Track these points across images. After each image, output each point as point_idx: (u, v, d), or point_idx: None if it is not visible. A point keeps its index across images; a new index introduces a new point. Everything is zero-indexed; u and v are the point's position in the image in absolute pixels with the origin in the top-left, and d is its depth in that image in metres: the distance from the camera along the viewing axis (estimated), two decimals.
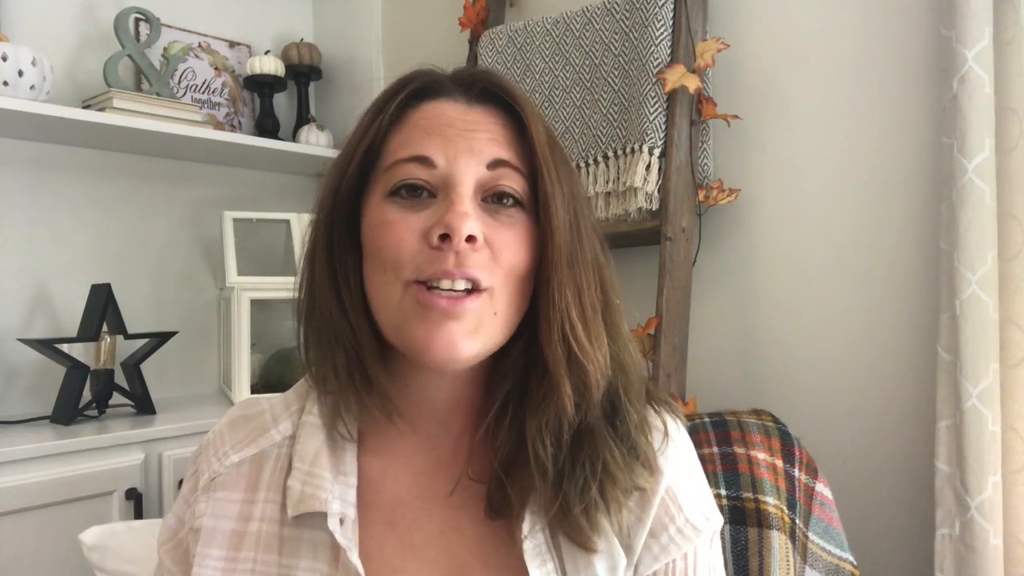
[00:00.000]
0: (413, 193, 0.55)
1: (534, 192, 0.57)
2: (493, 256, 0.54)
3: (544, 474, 0.55)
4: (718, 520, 0.61)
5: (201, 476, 0.61)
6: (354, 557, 0.53)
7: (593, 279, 0.57)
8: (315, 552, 0.56)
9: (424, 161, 0.55)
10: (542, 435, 0.55)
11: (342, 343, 0.57)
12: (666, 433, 0.60)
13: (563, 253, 0.55)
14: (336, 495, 0.56)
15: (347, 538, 0.54)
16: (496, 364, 0.58)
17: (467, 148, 0.55)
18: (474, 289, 0.53)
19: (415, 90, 0.58)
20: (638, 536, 0.57)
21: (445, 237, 0.52)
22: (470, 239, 0.52)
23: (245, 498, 0.59)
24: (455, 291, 0.53)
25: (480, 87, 0.59)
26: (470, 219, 0.52)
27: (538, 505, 0.55)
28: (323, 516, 0.55)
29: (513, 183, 0.56)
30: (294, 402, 0.63)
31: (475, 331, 0.53)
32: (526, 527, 0.55)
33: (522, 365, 0.57)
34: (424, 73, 0.60)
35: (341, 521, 0.55)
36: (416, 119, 0.57)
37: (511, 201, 0.56)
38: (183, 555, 0.61)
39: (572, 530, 0.54)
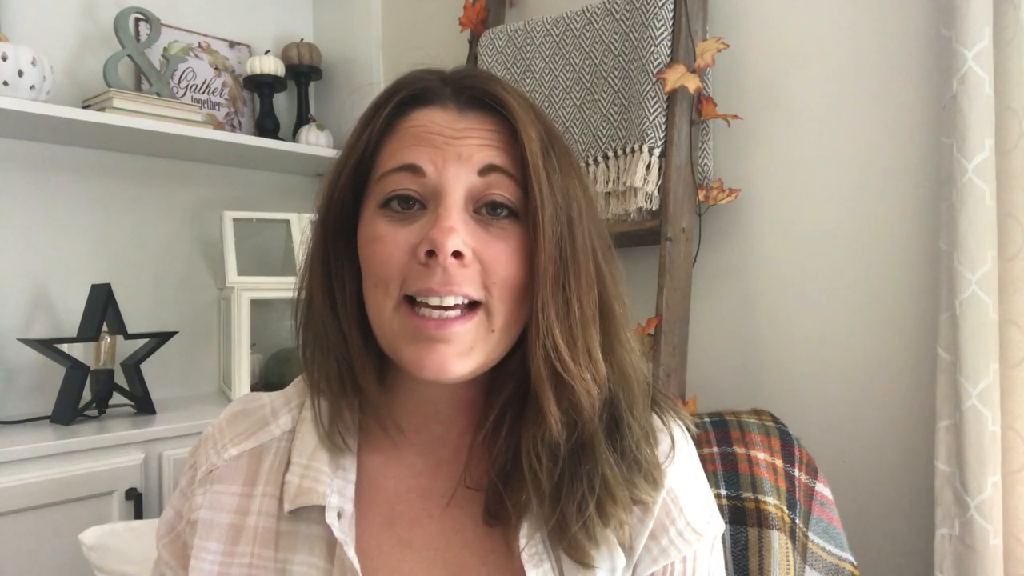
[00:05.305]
0: (405, 204, 0.54)
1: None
2: (484, 271, 0.53)
3: (539, 488, 0.54)
4: (719, 524, 0.61)
5: (199, 469, 0.61)
6: (350, 551, 0.53)
7: (588, 292, 0.55)
8: (311, 546, 0.55)
9: (413, 170, 0.54)
10: (536, 449, 0.54)
11: (334, 353, 0.57)
12: (673, 445, 0.59)
13: (549, 270, 0.53)
14: (334, 489, 0.56)
15: (344, 532, 0.54)
16: (498, 369, 0.57)
17: (456, 155, 0.53)
18: (469, 306, 0.53)
19: (404, 98, 0.57)
20: (639, 538, 0.57)
21: (432, 253, 0.51)
22: (457, 255, 0.51)
23: (243, 492, 0.59)
24: (444, 308, 0.52)
25: (469, 95, 0.57)
26: (456, 235, 0.51)
27: (535, 517, 0.55)
28: (320, 510, 0.55)
29: (505, 191, 0.54)
30: (294, 397, 0.63)
31: (469, 351, 0.53)
32: (523, 539, 0.54)
33: (520, 374, 0.56)
34: (414, 79, 0.58)
35: (339, 515, 0.55)
36: (406, 128, 0.56)
37: (504, 211, 0.54)
38: (181, 548, 0.61)
39: (570, 547, 0.54)
